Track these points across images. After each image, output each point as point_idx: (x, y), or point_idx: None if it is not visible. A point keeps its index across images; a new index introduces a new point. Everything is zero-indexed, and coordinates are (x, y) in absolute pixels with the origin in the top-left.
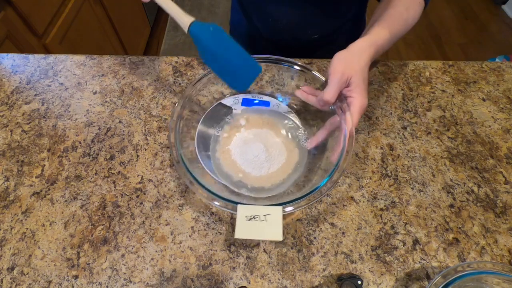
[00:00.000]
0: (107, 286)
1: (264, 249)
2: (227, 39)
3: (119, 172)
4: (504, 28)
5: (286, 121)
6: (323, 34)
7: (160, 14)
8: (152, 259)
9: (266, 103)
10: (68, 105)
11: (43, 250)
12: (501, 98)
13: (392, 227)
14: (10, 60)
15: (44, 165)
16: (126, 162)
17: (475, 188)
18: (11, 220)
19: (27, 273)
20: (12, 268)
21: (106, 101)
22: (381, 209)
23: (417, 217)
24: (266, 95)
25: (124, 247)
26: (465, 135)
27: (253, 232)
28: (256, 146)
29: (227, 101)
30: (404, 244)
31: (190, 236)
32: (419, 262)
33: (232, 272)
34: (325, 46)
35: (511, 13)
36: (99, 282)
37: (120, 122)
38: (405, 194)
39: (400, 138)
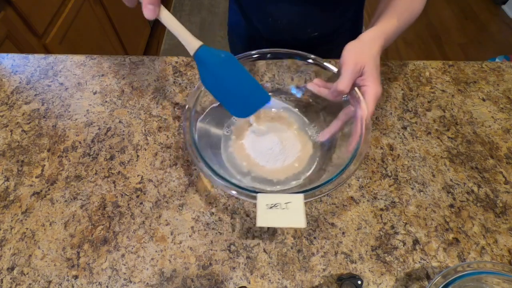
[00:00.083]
0: (107, 286)
1: (264, 249)
2: (238, 66)
3: (119, 172)
4: (504, 28)
5: (295, 116)
6: (323, 33)
7: None
8: (152, 259)
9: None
10: (68, 105)
11: (43, 250)
12: (501, 98)
13: (392, 227)
14: (10, 60)
15: (44, 165)
16: (126, 162)
17: (475, 188)
18: (11, 220)
19: (27, 273)
20: (12, 268)
21: (106, 101)
22: (381, 209)
23: (417, 217)
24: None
25: (124, 247)
26: (465, 135)
27: (275, 220)
28: (269, 138)
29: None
30: (404, 244)
31: (190, 236)
32: (419, 262)
33: (232, 272)
34: (324, 45)
35: (511, 13)
36: (99, 282)
37: (120, 122)
38: (405, 194)
39: (400, 138)
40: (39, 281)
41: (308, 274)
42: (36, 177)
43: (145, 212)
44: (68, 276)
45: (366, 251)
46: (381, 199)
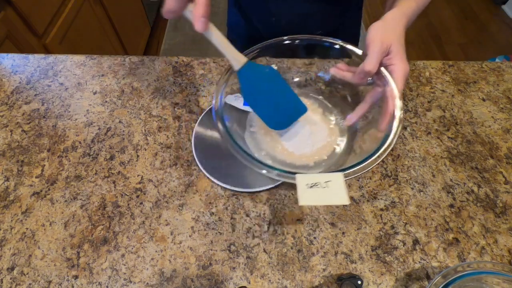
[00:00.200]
0: (107, 286)
1: (264, 249)
2: (281, 81)
3: (119, 172)
4: (504, 28)
5: (318, 102)
6: (323, 32)
7: (160, 14)
8: (152, 259)
9: None
10: (68, 105)
11: (43, 250)
12: (501, 98)
13: (392, 227)
14: (10, 60)
15: (44, 165)
16: (126, 162)
17: (475, 188)
18: (11, 220)
19: (27, 273)
20: (12, 268)
21: (106, 101)
22: (381, 209)
23: (417, 217)
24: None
25: (124, 247)
26: (465, 135)
27: (318, 198)
28: (298, 124)
29: (227, 101)
30: (404, 244)
31: (190, 236)
32: (419, 262)
33: (232, 272)
34: None
35: (511, 13)
36: (99, 282)
37: (120, 122)
38: (405, 194)
39: (400, 138)
40: (39, 281)
41: (308, 274)
42: (36, 177)
43: (145, 212)
44: (68, 276)
45: (366, 251)
46: (381, 199)
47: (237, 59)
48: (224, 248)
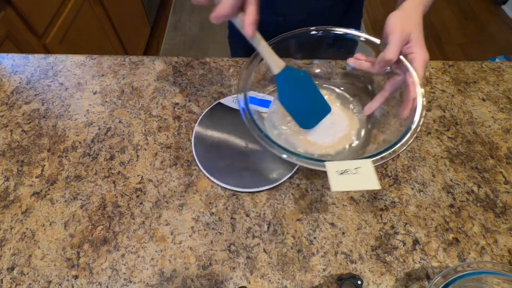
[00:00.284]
0: (107, 286)
1: (264, 249)
2: (312, 83)
3: (119, 172)
4: (504, 28)
5: (336, 93)
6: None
7: (160, 14)
8: (152, 259)
9: (266, 103)
10: (68, 105)
11: (43, 250)
12: (501, 98)
13: (392, 227)
14: (10, 60)
15: (44, 165)
16: (126, 162)
17: (475, 188)
18: (11, 220)
19: (27, 273)
20: (12, 268)
21: (106, 101)
22: (381, 209)
23: (417, 217)
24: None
25: (124, 247)
26: (465, 135)
27: (349, 184)
28: None
29: (227, 101)
30: (404, 244)
31: (190, 236)
32: (419, 262)
33: (232, 272)
34: None
35: (511, 13)
36: (99, 282)
37: (120, 122)
38: (405, 194)
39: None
40: (39, 281)
41: (308, 274)
42: (36, 177)
43: (145, 212)
44: (68, 276)
45: (366, 251)
46: (381, 199)
47: (277, 64)
48: (224, 248)
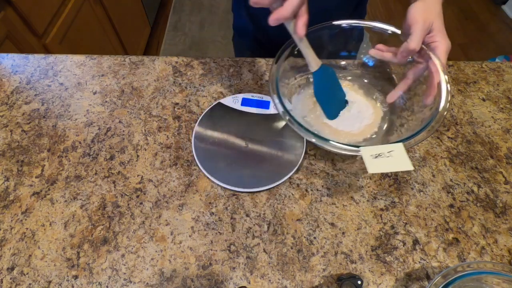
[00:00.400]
0: (107, 286)
1: (264, 249)
2: (337, 79)
3: (119, 172)
4: (504, 28)
5: (359, 82)
6: None
7: (160, 14)
8: (152, 259)
9: (266, 103)
10: (68, 105)
11: (43, 250)
12: (501, 98)
13: (392, 227)
14: (10, 60)
15: (44, 165)
16: (126, 162)
17: (475, 188)
18: (11, 220)
19: (27, 273)
20: (12, 268)
21: (106, 101)
22: (381, 209)
23: (417, 217)
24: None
25: (124, 247)
26: (465, 135)
27: (384, 166)
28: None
29: (227, 101)
30: (404, 244)
31: (190, 236)
32: (419, 262)
33: (232, 272)
34: None
35: (511, 13)
36: (99, 282)
37: (120, 122)
38: (405, 194)
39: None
40: (39, 281)
41: (308, 274)
42: (36, 177)
43: (145, 212)
44: (68, 276)
45: (366, 251)
46: (381, 199)
47: (315, 62)
48: (224, 248)
